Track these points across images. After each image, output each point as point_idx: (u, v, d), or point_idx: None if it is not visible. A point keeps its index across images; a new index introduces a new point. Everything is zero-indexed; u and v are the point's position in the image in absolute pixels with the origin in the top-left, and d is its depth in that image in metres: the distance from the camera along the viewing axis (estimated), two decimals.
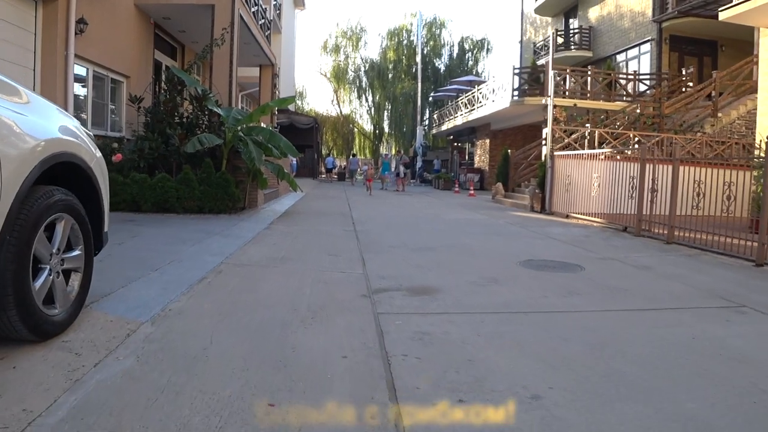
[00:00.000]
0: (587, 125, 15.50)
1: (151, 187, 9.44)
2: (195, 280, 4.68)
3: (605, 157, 11.72)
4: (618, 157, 11.43)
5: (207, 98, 10.23)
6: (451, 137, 36.80)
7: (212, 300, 4.12)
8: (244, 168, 10.46)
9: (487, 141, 28.07)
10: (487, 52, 46.93)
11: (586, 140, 14.58)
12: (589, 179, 12.22)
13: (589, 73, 20.34)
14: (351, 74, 49.28)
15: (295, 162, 35.99)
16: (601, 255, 7.55)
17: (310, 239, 7.80)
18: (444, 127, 33.62)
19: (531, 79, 20.43)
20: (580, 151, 13.15)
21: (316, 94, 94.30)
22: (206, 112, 10.61)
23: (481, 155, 29.36)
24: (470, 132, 30.89)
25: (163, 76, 12.66)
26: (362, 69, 48.79)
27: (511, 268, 6.25)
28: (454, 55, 46.89)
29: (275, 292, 4.47)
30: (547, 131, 14.73)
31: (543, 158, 14.90)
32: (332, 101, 52.92)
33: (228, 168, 10.57)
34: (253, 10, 14.59)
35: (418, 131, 35.30)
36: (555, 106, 14.61)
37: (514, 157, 18.32)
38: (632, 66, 23.27)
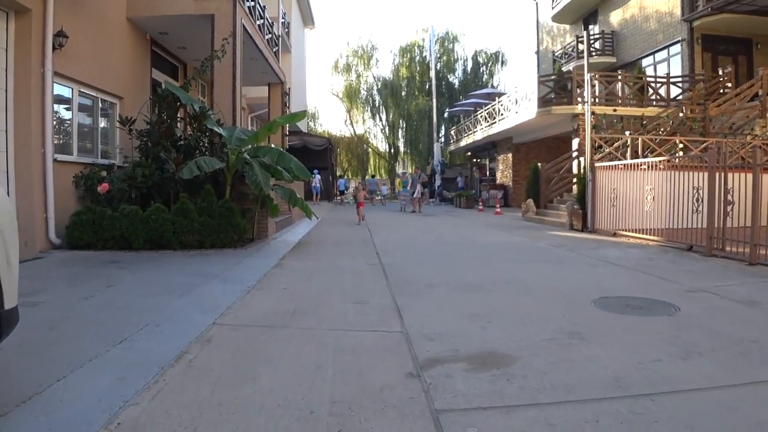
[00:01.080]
0: (626, 132, 14.07)
1: (144, 220, 8.19)
2: (171, 358, 3.35)
3: (662, 166, 10.28)
4: (676, 166, 9.99)
5: (206, 116, 9.02)
6: (469, 153, 35.48)
7: (188, 401, 2.75)
8: (251, 194, 9.20)
9: (510, 155, 26.69)
10: (502, 65, 45.77)
11: (628, 149, 13.16)
12: (641, 192, 10.79)
13: (619, 77, 18.94)
14: (363, 93, 48.36)
15: (318, 185, 34.89)
16: (684, 285, 6.12)
17: (328, 279, 6.45)
18: (462, 143, 32.32)
19: (558, 87, 19.08)
20: (628, 161, 11.72)
21: (329, 114, 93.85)
22: (206, 133, 9.39)
23: (503, 170, 27.96)
24: (491, 147, 29.54)
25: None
26: (375, 87, 47.88)
27: (587, 312, 4.85)
28: (468, 69, 45.82)
29: (282, 379, 3.09)
30: (575, 141, 13.32)
31: (580, 171, 13.48)
32: (345, 121, 52.04)
33: (233, 195, 9.32)
34: (258, 23, 13.46)
35: (435, 148, 34.04)
36: (593, 113, 13.21)
37: (544, 171, 16.92)
38: (661, 70, 21.83)
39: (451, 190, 35.25)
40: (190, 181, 8.57)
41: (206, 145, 9.43)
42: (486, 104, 27.45)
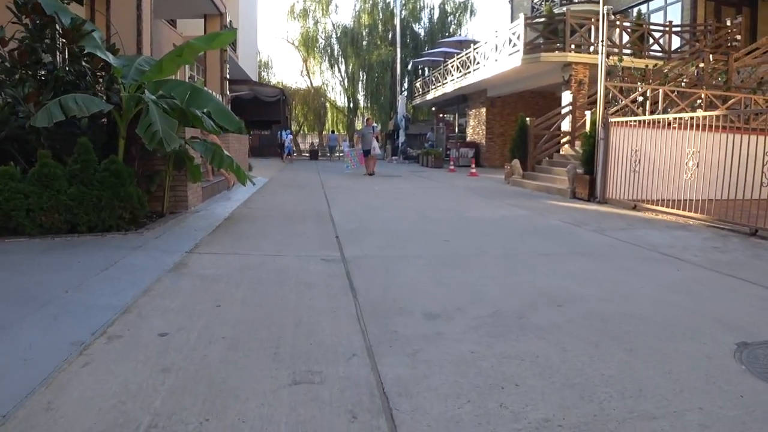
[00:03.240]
0: (638, 84, 11.61)
1: None
2: None
3: (710, 125, 7.85)
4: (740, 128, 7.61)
5: (82, 35, 6.04)
6: (435, 108, 32.71)
7: None
8: (161, 152, 6.37)
9: (483, 110, 24.09)
10: (471, 15, 42.84)
11: (647, 102, 10.74)
12: (678, 155, 8.39)
13: (618, 22, 16.40)
14: (321, 41, 44.58)
15: (290, 144, 31.38)
16: None
17: (251, 303, 3.74)
18: (429, 96, 29.51)
19: (548, 32, 16.42)
20: (661, 116, 9.27)
21: (284, 65, 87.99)
22: (88, 61, 6.43)
23: (475, 127, 25.40)
24: (461, 101, 26.84)
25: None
26: (334, 35, 44.13)
27: (740, 385, 2.35)
28: (435, 18, 42.53)
29: None
30: (566, 95, 10.83)
31: (588, 127, 11.00)
32: (301, 72, 48.29)
33: (132, 153, 6.49)
34: None
35: (399, 101, 31.05)
36: (609, 56, 10.67)
37: (533, 128, 14.40)
38: (656, 20, 19.46)
39: (415, 147, 32.57)
40: (67, 133, 5.70)
41: (90, 79, 6.47)
42: (457, 53, 24.60)
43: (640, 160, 9.31)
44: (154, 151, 6.14)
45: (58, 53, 6.35)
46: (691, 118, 8.23)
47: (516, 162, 14.22)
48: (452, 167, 21.06)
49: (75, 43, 6.09)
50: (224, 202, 9.17)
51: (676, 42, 17.46)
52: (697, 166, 8.09)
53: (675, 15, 19.06)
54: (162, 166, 7.15)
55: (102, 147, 6.35)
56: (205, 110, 6.05)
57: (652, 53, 16.45)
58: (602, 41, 10.21)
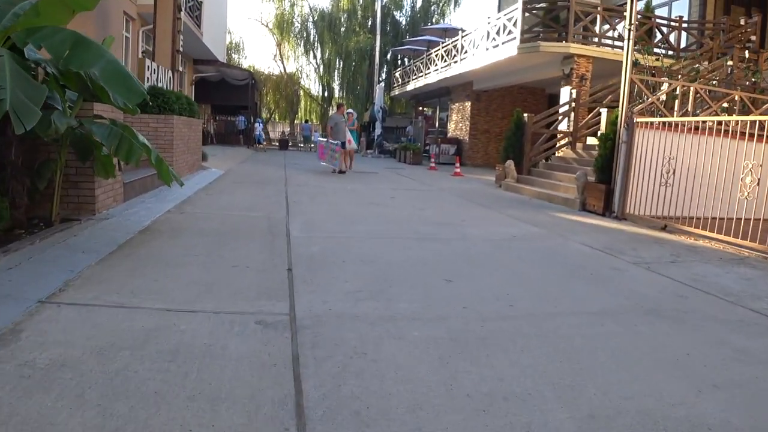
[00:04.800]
0: (664, 80, 9.88)
1: None
2: None
3: None
4: None
5: None
6: (414, 101, 30.78)
7: None
8: (49, 136, 4.34)
9: (468, 104, 22.28)
10: (455, 5, 40.86)
11: (676, 101, 9.03)
12: (730, 169, 6.65)
13: (625, 14, 14.67)
14: (297, 25, 42.20)
15: (260, 132, 29.07)
16: None
17: None
18: (409, 87, 27.55)
19: (549, 18, 14.62)
20: (707, 118, 7.54)
21: (256, 48, 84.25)
22: None
23: (457, 122, 23.58)
24: (444, 93, 24.98)
25: None
26: (311, 19, 41.82)
27: None
28: (418, 7, 40.53)
29: None
30: (565, 90, 9.06)
31: (604, 127, 9.25)
32: (275, 56, 45.83)
33: (7, 135, 4.46)
34: None
35: (377, 91, 29.01)
36: (636, 48, 8.91)
37: (531, 125, 12.60)
38: (660, 14, 17.86)
39: (391, 141, 30.65)
40: None
41: None
42: (441, 42, 22.70)
43: (674, 170, 7.56)
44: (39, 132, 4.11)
45: None
46: (759, 123, 6.49)
47: (510, 164, 12.42)
48: (433, 165, 19.21)
49: None
50: (154, 202, 7.13)
51: (683, 40, 15.88)
52: (758, 184, 6.36)
53: (681, 11, 17.49)
54: (54, 155, 5.12)
55: None
56: (92, 71, 3.99)
57: (658, 50, 14.82)
58: (630, 25, 8.43)
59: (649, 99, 8.67)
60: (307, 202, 8.30)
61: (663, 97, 9.18)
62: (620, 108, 8.52)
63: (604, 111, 10.02)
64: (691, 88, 8.89)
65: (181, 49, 13.10)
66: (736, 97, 9.29)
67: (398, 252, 5.16)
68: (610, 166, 8.78)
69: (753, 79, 10.43)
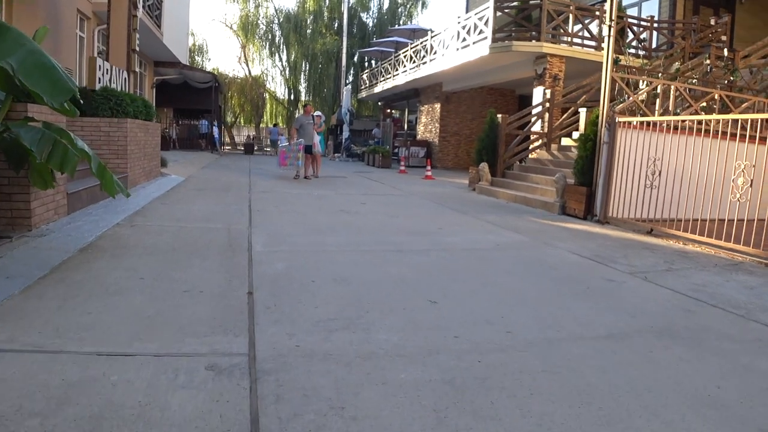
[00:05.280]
0: (643, 78, 9.57)
1: None
2: None
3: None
4: None
5: None
6: (382, 103, 30.28)
7: None
8: None
9: (437, 106, 21.90)
10: (423, 7, 40.58)
11: (657, 100, 8.73)
12: (721, 170, 6.32)
13: (597, 13, 14.48)
14: (262, 27, 41.34)
15: (216, 135, 28.27)
16: None
17: None
18: (377, 89, 27.05)
19: (521, 17, 14.29)
20: (695, 117, 7.22)
21: (221, 51, 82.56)
22: None
23: (427, 124, 23.18)
24: (413, 95, 24.55)
25: None
26: (276, 21, 41.02)
27: None
28: (385, 8, 40.10)
29: None
30: (538, 91, 8.71)
31: (584, 128, 8.90)
32: (239, 59, 44.80)
33: None
34: None
35: (344, 93, 28.46)
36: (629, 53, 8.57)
37: (505, 126, 12.21)
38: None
39: (359, 144, 30.12)
40: None
41: None
42: (410, 43, 22.26)
43: (660, 171, 7.22)
44: None
45: None
46: (751, 122, 6.17)
47: (484, 166, 12.01)
48: (403, 168, 18.75)
49: None
50: (102, 214, 6.45)
51: (654, 40, 15.76)
52: (750, 185, 6.03)
53: (651, 11, 17.39)
54: None
55: None
56: (11, 65, 3.35)
57: (630, 50, 14.64)
58: (610, 21, 8.08)
59: (630, 98, 8.33)
60: (272, 210, 7.71)
61: (643, 96, 8.87)
62: (601, 107, 8.16)
63: (582, 111, 9.67)
64: (672, 87, 8.59)
65: (137, 49, 12.33)
66: (716, 96, 9.05)
67: (373, 268, 4.63)
68: (591, 168, 8.42)
69: (732, 78, 10.20)
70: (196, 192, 9.51)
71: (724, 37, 15.03)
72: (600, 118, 8.16)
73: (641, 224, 7.43)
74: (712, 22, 15.39)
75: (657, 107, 8.56)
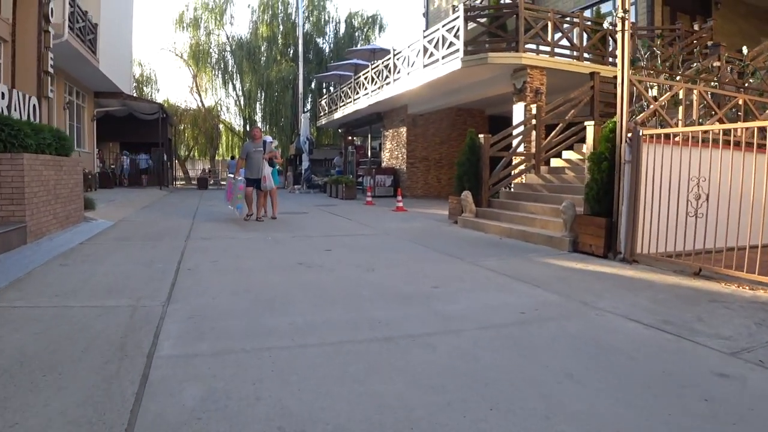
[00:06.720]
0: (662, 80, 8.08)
1: None
2: None
3: None
4: None
5: None
6: (343, 130, 28.64)
7: None
8: None
9: (403, 130, 20.35)
10: (380, 30, 39.40)
11: (680, 108, 7.22)
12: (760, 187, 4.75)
13: (576, 20, 13.16)
14: (214, 55, 39.51)
15: (127, 166, 26.04)
16: None
17: None
18: (337, 116, 25.39)
19: (495, 26, 12.83)
20: (746, 124, 5.70)
21: (172, 81, 79.39)
22: None
23: (392, 150, 21.58)
24: (375, 120, 22.97)
25: None
26: (228, 48, 39.27)
27: None
28: (341, 33, 38.81)
29: None
30: (519, 107, 7.17)
31: (597, 144, 7.33)
32: (191, 89, 42.72)
33: None
34: None
35: (302, 121, 26.70)
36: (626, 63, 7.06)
37: (488, 148, 10.60)
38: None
39: (320, 174, 28.34)
40: None
41: None
42: (370, 65, 20.72)
43: (707, 195, 5.63)
44: None
45: None
46: None
47: (468, 195, 10.34)
48: (369, 199, 17.02)
49: None
50: None
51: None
52: None
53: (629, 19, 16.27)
54: None
55: None
56: None
57: (612, 58, 13.36)
58: (623, 10, 6.55)
59: (651, 106, 6.79)
60: (208, 268, 5.80)
61: (662, 103, 7.37)
62: (618, 118, 6.58)
63: (589, 124, 8.11)
64: (695, 92, 7.11)
65: (50, 70, 10.33)
66: (740, 101, 7.61)
67: (353, 389, 2.77)
68: (608, 194, 6.81)
69: (751, 80, 8.84)
70: (116, 243, 7.53)
71: (710, 42, 13.93)
72: (618, 131, 6.57)
73: (682, 262, 5.81)
74: (696, 27, 14.32)
75: (680, 116, 7.04)
